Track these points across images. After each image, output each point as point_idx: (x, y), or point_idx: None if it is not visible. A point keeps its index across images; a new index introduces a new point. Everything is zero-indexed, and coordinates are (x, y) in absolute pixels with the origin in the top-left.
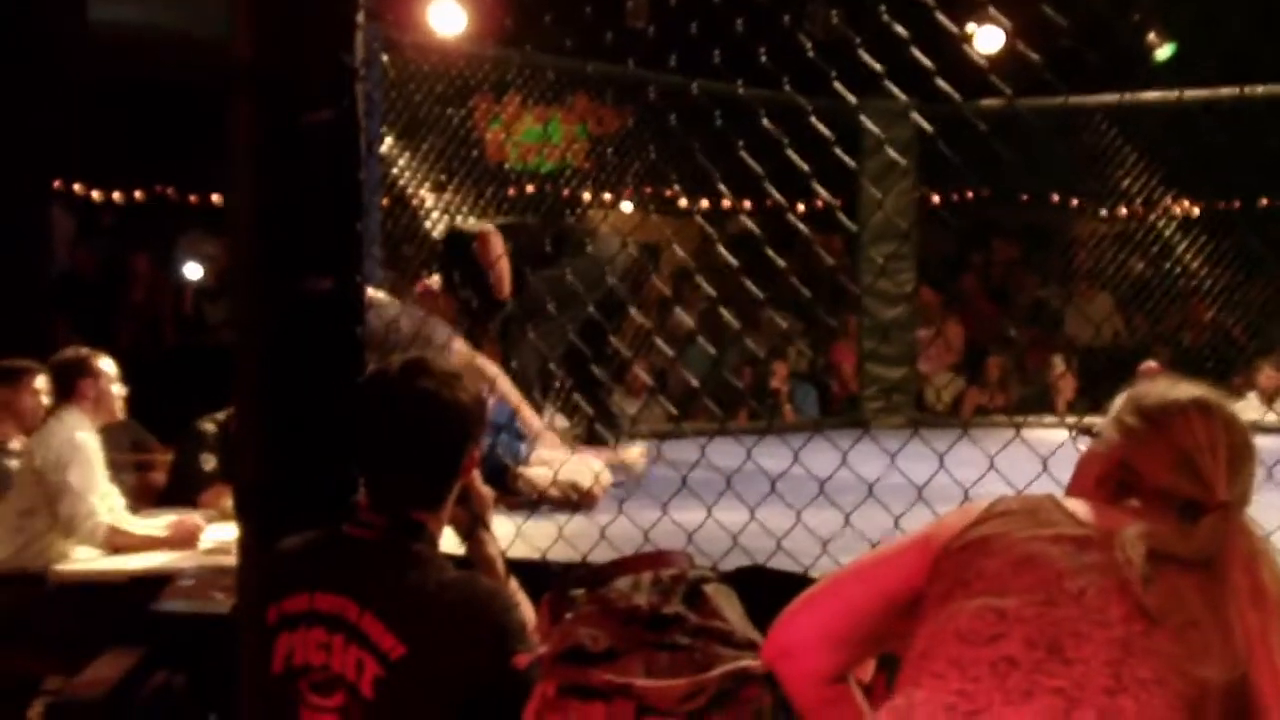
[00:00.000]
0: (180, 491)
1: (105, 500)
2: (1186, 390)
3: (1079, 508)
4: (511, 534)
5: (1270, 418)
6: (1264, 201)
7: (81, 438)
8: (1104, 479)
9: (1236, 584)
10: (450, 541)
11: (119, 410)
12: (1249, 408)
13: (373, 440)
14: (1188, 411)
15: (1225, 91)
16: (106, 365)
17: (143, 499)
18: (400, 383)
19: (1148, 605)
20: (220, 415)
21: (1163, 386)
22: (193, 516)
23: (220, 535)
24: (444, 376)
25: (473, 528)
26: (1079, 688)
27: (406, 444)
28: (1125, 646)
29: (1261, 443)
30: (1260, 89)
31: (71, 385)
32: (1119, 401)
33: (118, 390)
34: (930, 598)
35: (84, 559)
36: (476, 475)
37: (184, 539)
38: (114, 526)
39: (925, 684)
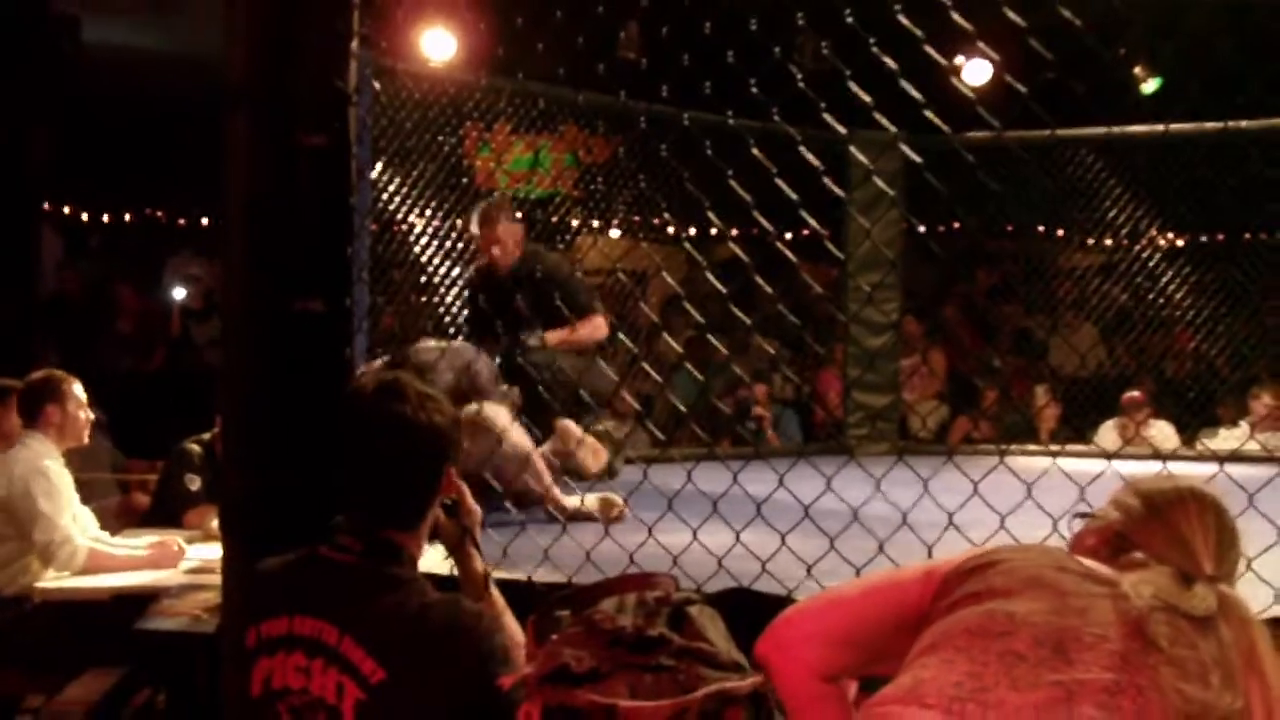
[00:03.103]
0: (164, 512)
1: (78, 523)
2: (1182, 480)
3: (1083, 557)
4: (498, 554)
5: (1252, 446)
6: (1248, 235)
7: (46, 465)
8: (1100, 546)
9: (1235, 641)
10: (434, 558)
11: (85, 435)
12: (1234, 436)
13: (348, 461)
14: (1184, 499)
15: (1210, 125)
16: (74, 389)
17: (126, 519)
18: (374, 404)
19: (1150, 632)
20: (205, 436)
21: (1160, 477)
22: (174, 537)
23: (205, 554)
24: (419, 397)
25: (461, 541)
26: (1079, 684)
27: (381, 465)
28: (1124, 658)
29: (1247, 472)
30: (1245, 123)
31: (37, 410)
32: (1119, 487)
33: (85, 415)
34: (935, 612)
35: (62, 577)
36: (467, 490)
37: (165, 560)
38: (93, 550)
39: (932, 666)
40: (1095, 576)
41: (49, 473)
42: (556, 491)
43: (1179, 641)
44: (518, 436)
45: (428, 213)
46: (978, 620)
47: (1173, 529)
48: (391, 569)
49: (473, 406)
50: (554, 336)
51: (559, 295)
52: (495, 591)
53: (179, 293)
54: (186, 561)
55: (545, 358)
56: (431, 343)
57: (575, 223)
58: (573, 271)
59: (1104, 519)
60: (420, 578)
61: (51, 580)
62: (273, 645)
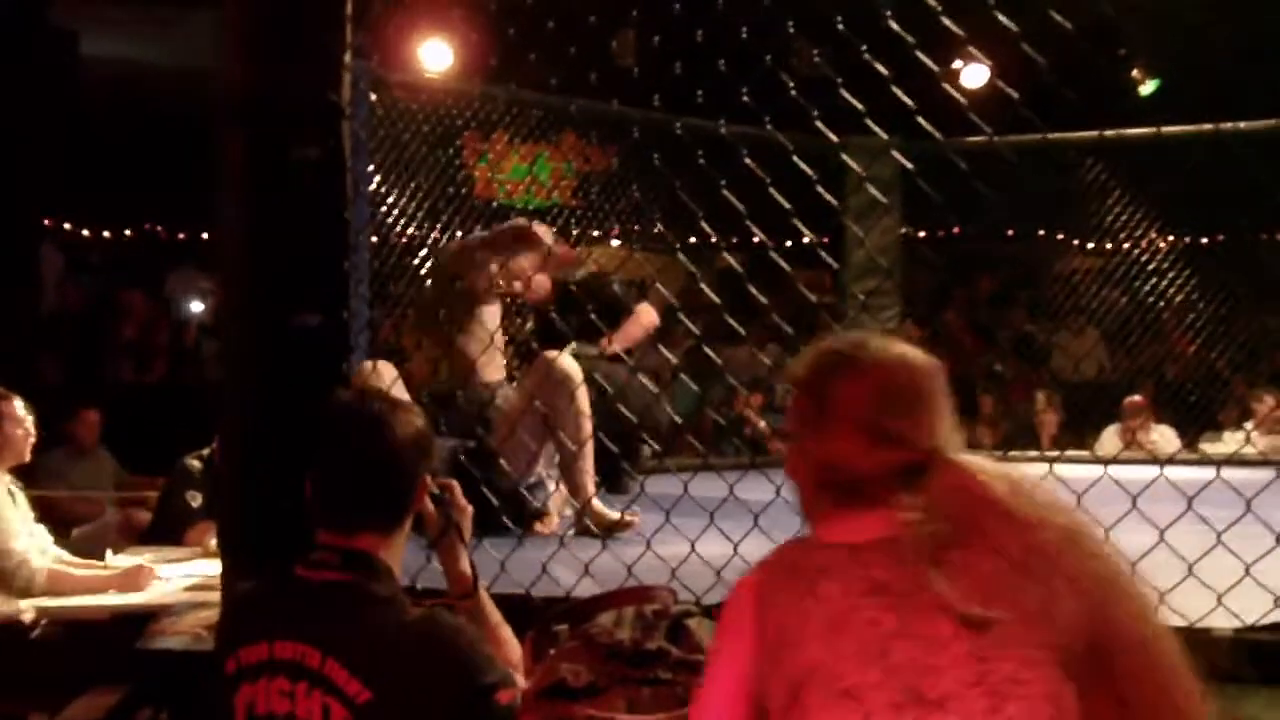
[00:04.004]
0: (166, 529)
1: (35, 541)
2: (834, 350)
3: (832, 533)
4: (495, 569)
5: (1249, 450)
6: (1248, 236)
7: None
8: (820, 487)
9: (999, 533)
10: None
11: (26, 453)
12: (1237, 440)
13: (325, 471)
14: (842, 374)
15: (1206, 127)
16: (11, 408)
17: (128, 536)
18: (353, 410)
19: (966, 613)
20: (205, 451)
21: (811, 352)
22: (142, 563)
23: (206, 571)
24: (394, 405)
25: (445, 530)
26: None
27: (361, 468)
28: (976, 657)
29: (1245, 475)
30: (1243, 125)
31: None
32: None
33: (24, 432)
34: (773, 712)
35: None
36: (457, 487)
37: (132, 583)
38: (53, 571)
39: None
40: (875, 563)
41: None
42: (590, 484)
43: (989, 591)
44: (584, 398)
45: (426, 225)
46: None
47: (853, 418)
48: (370, 586)
49: (552, 352)
50: (610, 342)
51: (595, 310)
52: (485, 594)
53: (196, 306)
54: (188, 578)
55: (614, 373)
56: None
57: (574, 233)
58: (601, 282)
59: (797, 438)
60: (400, 593)
61: (50, 601)
62: (254, 671)
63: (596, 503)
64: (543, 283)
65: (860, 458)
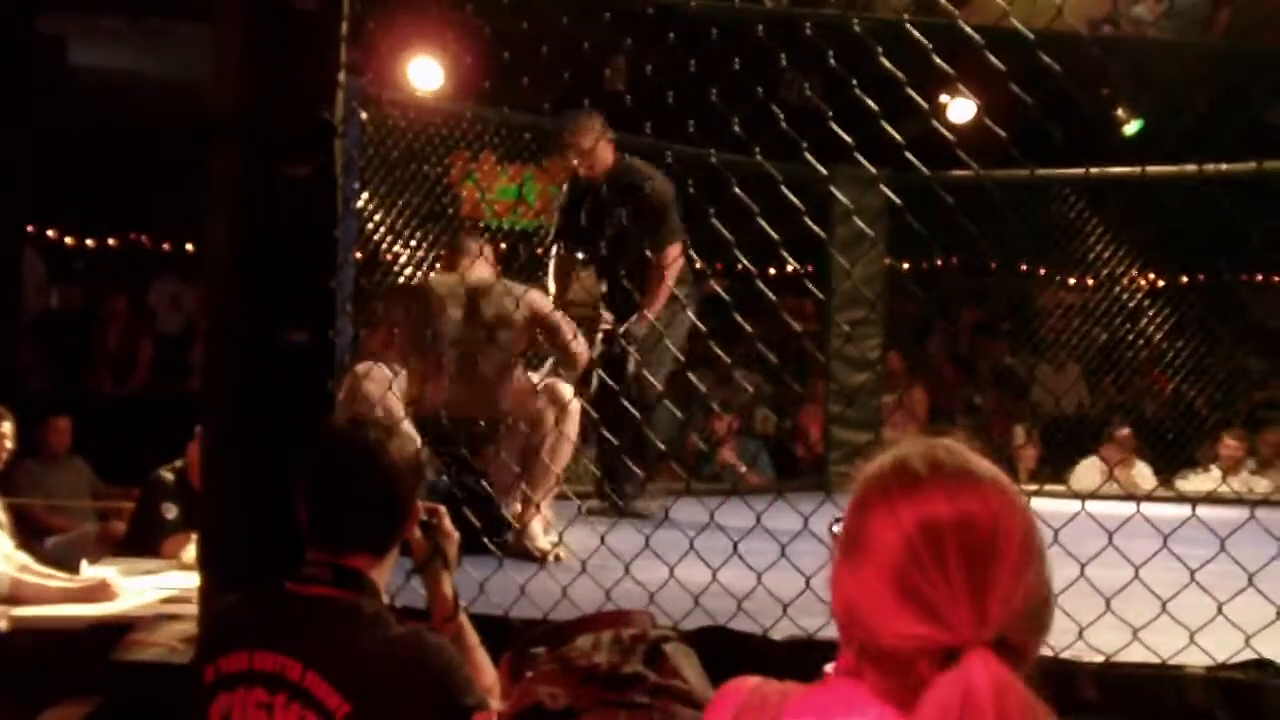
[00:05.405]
0: (141, 540)
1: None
2: (898, 462)
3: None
4: (475, 590)
5: (1224, 490)
6: (1226, 277)
7: None
8: (844, 626)
9: None
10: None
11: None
12: (1209, 480)
13: (319, 492)
14: (888, 499)
15: (1189, 168)
16: None
17: (104, 547)
18: (349, 435)
19: None
20: (178, 463)
21: (882, 458)
22: (104, 577)
23: (182, 584)
24: (389, 432)
25: (431, 556)
26: None
27: (357, 490)
28: None
29: (1220, 515)
30: (1225, 166)
31: None
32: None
33: None
34: None
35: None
36: (445, 513)
37: (97, 597)
38: (16, 578)
39: None
40: None
41: None
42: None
43: None
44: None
45: (413, 243)
46: None
47: (889, 568)
48: (356, 601)
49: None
50: (651, 312)
51: (649, 218)
52: (465, 618)
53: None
54: (163, 590)
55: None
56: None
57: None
58: (672, 198)
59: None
60: (385, 610)
61: (25, 610)
62: (232, 681)
63: (534, 527)
64: (604, 157)
65: (879, 618)
